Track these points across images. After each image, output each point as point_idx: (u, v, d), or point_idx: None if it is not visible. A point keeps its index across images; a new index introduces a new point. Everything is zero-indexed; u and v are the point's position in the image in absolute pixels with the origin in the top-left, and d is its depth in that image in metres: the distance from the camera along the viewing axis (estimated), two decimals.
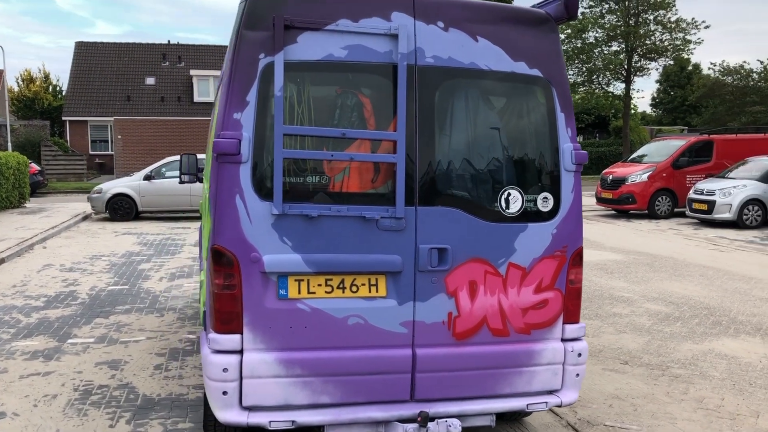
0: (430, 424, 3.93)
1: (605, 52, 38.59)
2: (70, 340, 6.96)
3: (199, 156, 8.14)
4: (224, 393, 3.80)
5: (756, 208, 16.62)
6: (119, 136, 34.69)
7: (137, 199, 18.31)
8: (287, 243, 3.82)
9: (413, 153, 3.90)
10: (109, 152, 39.80)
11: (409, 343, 3.98)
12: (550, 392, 4.24)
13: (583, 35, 38.20)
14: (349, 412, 3.91)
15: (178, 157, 19.52)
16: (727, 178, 17.71)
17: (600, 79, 39.40)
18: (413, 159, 3.90)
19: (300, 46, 3.79)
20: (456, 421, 3.96)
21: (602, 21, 38.74)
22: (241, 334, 3.81)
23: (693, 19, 39.32)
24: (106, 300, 8.78)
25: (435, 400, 4.03)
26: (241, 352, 3.82)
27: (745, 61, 59.85)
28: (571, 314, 4.24)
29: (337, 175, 3.92)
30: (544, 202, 4.14)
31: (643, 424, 4.88)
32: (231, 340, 3.80)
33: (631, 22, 37.66)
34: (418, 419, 3.90)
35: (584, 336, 4.34)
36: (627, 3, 37.68)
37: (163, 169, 18.67)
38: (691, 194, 17.70)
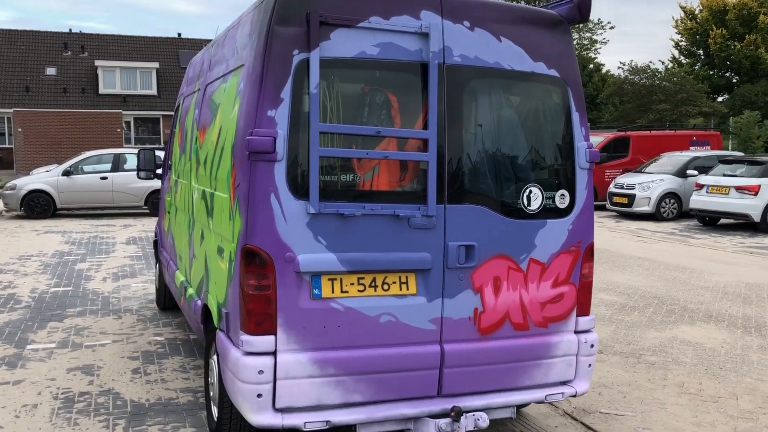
0: (446, 419, 3.97)
1: None
2: (29, 346, 6.59)
3: (157, 152, 7.84)
4: (259, 396, 3.72)
5: (672, 201, 17.58)
6: (20, 129, 32.87)
7: (55, 196, 17.44)
8: (322, 242, 3.78)
9: (442, 151, 3.93)
10: (8, 146, 37.66)
11: (437, 340, 4.01)
12: (564, 383, 4.37)
13: None
14: (381, 409, 3.91)
15: (98, 152, 18.76)
16: (644, 172, 18.63)
17: None
18: (442, 157, 3.93)
19: (333, 43, 3.74)
20: (483, 415, 4.02)
21: None
22: (275, 335, 3.74)
23: (599, 19, 41.06)
24: (53, 303, 8.35)
25: (461, 395, 4.08)
26: (274, 353, 3.75)
27: (650, 62, 62.98)
28: (583, 307, 4.39)
29: (366, 173, 3.90)
30: (562, 198, 4.26)
31: (636, 410, 5.10)
32: (265, 342, 3.72)
33: None
34: (452, 414, 3.94)
35: (594, 328, 4.50)
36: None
37: (83, 165, 17.87)
38: (612, 188, 18.51)
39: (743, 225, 16.35)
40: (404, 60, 3.89)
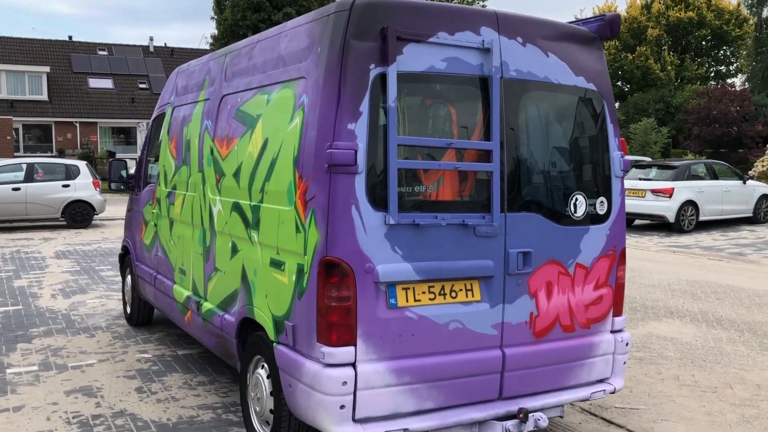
0: (515, 421, 4.11)
1: None
2: (9, 370, 6.19)
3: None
4: (342, 407, 3.73)
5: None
6: None
7: None
8: (398, 252, 3.83)
9: (502, 161, 4.07)
10: None
11: (499, 344, 4.14)
12: (602, 381, 4.60)
13: None
14: (452, 415, 3.99)
15: (8, 161, 17.72)
16: None
17: None
18: (502, 167, 4.07)
19: (405, 58, 3.81)
20: (542, 415, 4.19)
21: None
22: (355, 345, 3.76)
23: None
24: (9, 323, 7.85)
25: (519, 397, 4.22)
26: (353, 364, 3.77)
27: None
28: (618, 308, 4.64)
29: (432, 184, 3.99)
30: (601, 205, 4.50)
31: (647, 403, 5.41)
32: (346, 353, 3.73)
33: None
34: (520, 415, 4.07)
35: (625, 327, 4.76)
36: None
37: None
38: None
39: (657, 225, 17.43)
40: (467, 74, 4.01)
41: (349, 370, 3.73)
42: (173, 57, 48.92)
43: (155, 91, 45.80)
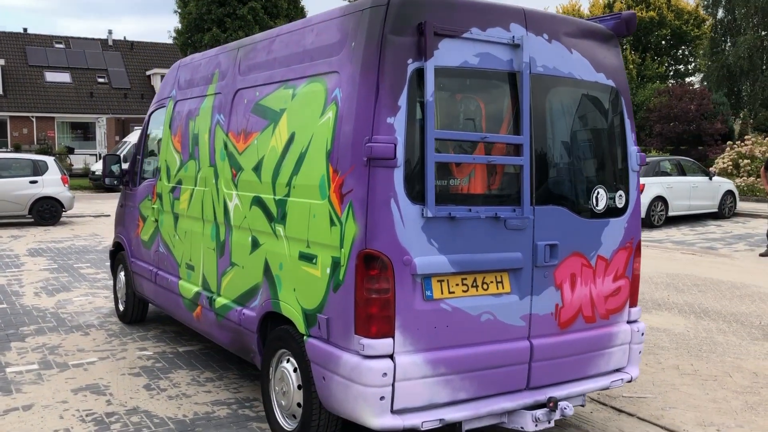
0: (545, 410, 4.20)
1: None
2: (8, 369, 6.07)
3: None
4: (381, 398, 3.76)
5: None
6: None
7: None
8: (434, 245, 3.88)
9: (531, 155, 4.14)
10: None
11: (527, 335, 4.22)
12: (618, 370, 4.72)
13: None
14: (484, 405, 4.06)
15: None
16: None
17: None
18: (531, 160, 4.15)
19: (441, 53, 3.86)
20: (568, 404, 4.28)
21: None
22: (393, 337, 3.79)
23: None
24: None
25: (545, 386, 4.31)
26: (391, 355, 3.80)
27: None
28: (633, 298, 4.76)
29: (464, 177, 4.05)
30: (620, 199, 4.61)
31: (653, 392, 5.56)
32: (386, 345, 3.77)
33: None
34: (550, 405, 4.16)
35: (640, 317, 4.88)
36: None
37: None
38: None
39: None
40: (498, 69, 4.07)
41: (388, 362, 3.77)
42: (133, 51, 48.14)
43: (115, 86, 45.02)
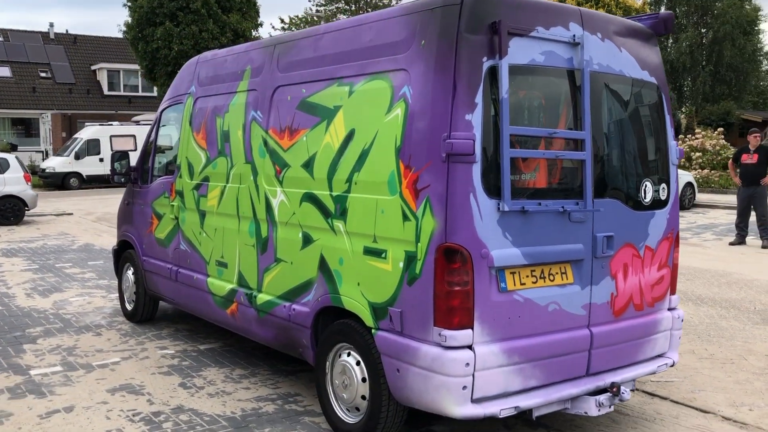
0: (608, 395, 4.37)
1: None
2: (32, 371, 5.94)
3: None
4: (464, 388, 3.86)
5: None
6: None
7: None
8: (508, 238, 3.99)
9: (591, 150, 4.29)
10: None
11: (587, 324, 4.38)
12: (661, 355, 4.93)
13: None
14: (552, 392, 4.19)
15: None
16: None
17: None
18: (591, 155, 4.30)
19: (512, 51, 3.96)
20: (626, 388, 4.46)
21: (335, 19, 40.59)
22: (472, 328, 3.89)
23: None
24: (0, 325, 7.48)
25: (602, 372, 4.47)
26: (471, 346, 3.90)
27: None
28: (674, 287, 4.97)
29: (530, 172, 4.17)
30: (663, 191, 4.80)
31: (679, 376, 5.80)
32: (466, 335, 3.87)
33: None
34: (613, 389, 4.33)
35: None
36: (358, 3, 39.96)
37: None
38: None
39: None
40: (560, 67, 4.20)
41: (469, 352, 3.87)
42: (76, 45, 46.79)
43: (59, 81, 43.71)
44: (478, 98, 3.85)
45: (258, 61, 5.56)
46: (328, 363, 4.70)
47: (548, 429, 4.79)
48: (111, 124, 30.46)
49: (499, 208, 3.92)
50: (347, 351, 4.55)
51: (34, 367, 6.06)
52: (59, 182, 28.55)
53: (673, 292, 4.96)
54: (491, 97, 3.91)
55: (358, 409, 4.50)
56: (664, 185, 4.82)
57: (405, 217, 4.05)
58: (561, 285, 4.25)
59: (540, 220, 4.12)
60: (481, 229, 3.88)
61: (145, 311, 7.43)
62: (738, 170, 12.97)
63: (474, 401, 3.93)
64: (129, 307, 7.64)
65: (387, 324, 4.18)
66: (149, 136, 7.33)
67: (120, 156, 7.46)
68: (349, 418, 4.56)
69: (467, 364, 3.84)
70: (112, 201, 22.95)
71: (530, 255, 4.08)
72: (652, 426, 4.86)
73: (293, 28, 40.26)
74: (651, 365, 4.76)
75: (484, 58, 3.88)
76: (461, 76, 3.83)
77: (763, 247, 12.66)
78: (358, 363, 4.46)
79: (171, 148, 7.08)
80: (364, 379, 4.42)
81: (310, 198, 4.81)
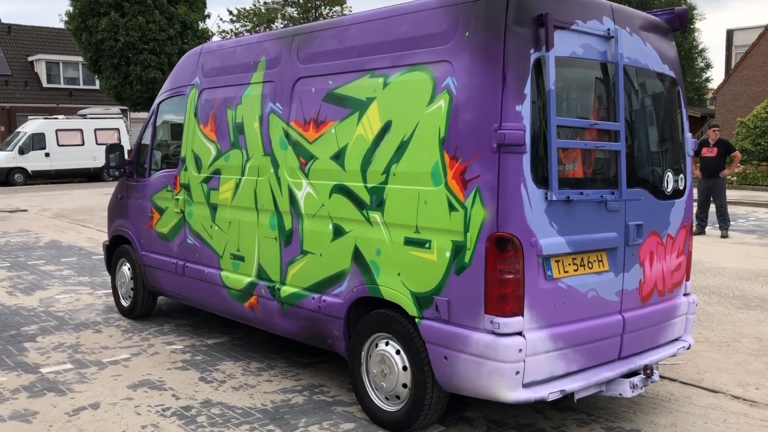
0: (641, 376, 4.57)
1: None
2: (43, 369, 5.82)
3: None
4: (516, 373, 3.98)
5: None
6: None
7: None
8: (554, 227, 4.13)
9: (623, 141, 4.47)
10: None
11: (619, 309, 4.56)
12: (677, 339, 5.16)
13: (272, 26, 39.22)
14: (591, 375, 4.36)
15: None
16: None
17: None
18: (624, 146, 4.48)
19: (556, 43, 4.09)
20: (655, 370, 4.67)
21: (283, 12, 40.24)
22: (522, 315, 4.02)
23: None
24: None
25: (632, 356, 4.67)
26: (521, 332, 4.03)
27: None
28: (688, 273, 5.21)
29: (570, 163, 4.32)
30: (681, 181, 5.03)
31: (682, 359, 6.08)
32: (518, 322, 3.99)
33: (310, 16, 39.77)
34: (647, 372, 4.53)
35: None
36: None
37: None
38: None
39: None
40: (597, 59, 4.36)
41: (521, 338, 3.99)
42: (11, 35, 45.06)
43: None
44: (527, 89, 3.97)
45: (273, 52, 5.55)
46: (363, 353, 4.76)
47: (575, 411, 4.96)
48: (56, 118, 29.60)
49: (546, 198, 4.05)
50: (385, 340, 4.62)
51: (43, 365, 5.92)
52: (3, 178, 27.63)
53: (687, 278, 5.19)
54: (538, 89, 4.03)
55: (398, 397, 4.58)
56: (681, 176, 5.03)
57: (452, 208, 4.14)
58: (598, 272, 4.42)
59: (581, 210, 4.27)
60: (530, 219, 4.01)
61: (144, 307, 7.33)
62: (698, 163, 13.49)
63: (524, 386, 4.05)
64: (125, 303, 7.52)
65: (432, 313, 4.27)
66: (145, 128, 7.21)
67: (113, 148, 7.31)
68: (388, 407, 4.63)
69: (520, 350, 3.96)
70: (64, 198, 22.37)
71: (573, 243, 4.22)
72: (669, 406, 5.09)
73: (242, 20, 39.71)
74: (672, 348, 4.98)
75: (531, 50, 4.00)
76: (510, 67, 3.94)
77: (722, 236, 13.22)
78: (398, 352, 4.53)
79: (171, 141, 6.99)
80: (405, 368, 4.49)
81: (342, 190, 4.85)
